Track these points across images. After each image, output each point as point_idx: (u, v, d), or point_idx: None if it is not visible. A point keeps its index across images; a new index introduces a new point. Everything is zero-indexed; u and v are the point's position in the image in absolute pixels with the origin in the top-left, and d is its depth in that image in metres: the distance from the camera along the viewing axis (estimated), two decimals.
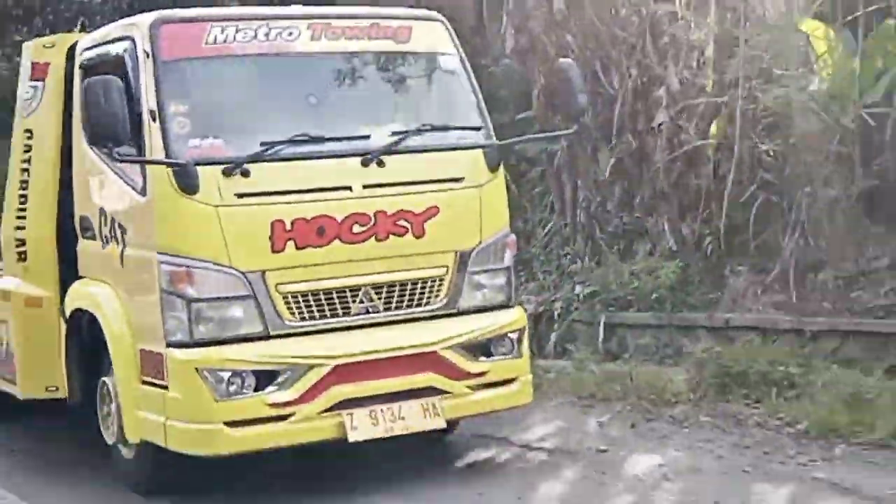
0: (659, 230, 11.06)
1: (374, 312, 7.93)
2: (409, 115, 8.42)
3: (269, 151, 7.70)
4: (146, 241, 7.82)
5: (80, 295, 8.57)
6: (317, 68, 8.19)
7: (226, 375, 7.49)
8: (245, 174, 7.58)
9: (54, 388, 9.07)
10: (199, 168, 7.57)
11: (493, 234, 8.32)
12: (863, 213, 10.02)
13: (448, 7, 9.76)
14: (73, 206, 8.73)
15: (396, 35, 8.40)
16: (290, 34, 8.04)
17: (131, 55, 7.89)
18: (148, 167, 7.69)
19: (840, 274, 9.66)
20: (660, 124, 10.78)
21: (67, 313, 8.72)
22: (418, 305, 8.06)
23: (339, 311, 7.85)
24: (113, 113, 7.43)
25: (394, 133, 8.11)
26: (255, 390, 7.56)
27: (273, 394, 7.57)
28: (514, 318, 8.40)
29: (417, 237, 7.99)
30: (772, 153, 10.21)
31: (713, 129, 10.61)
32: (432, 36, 8.56)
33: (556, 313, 11.63)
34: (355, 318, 7.89)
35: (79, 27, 16.11)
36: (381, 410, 7.71)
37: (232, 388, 7.50)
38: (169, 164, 7.55)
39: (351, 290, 7.85)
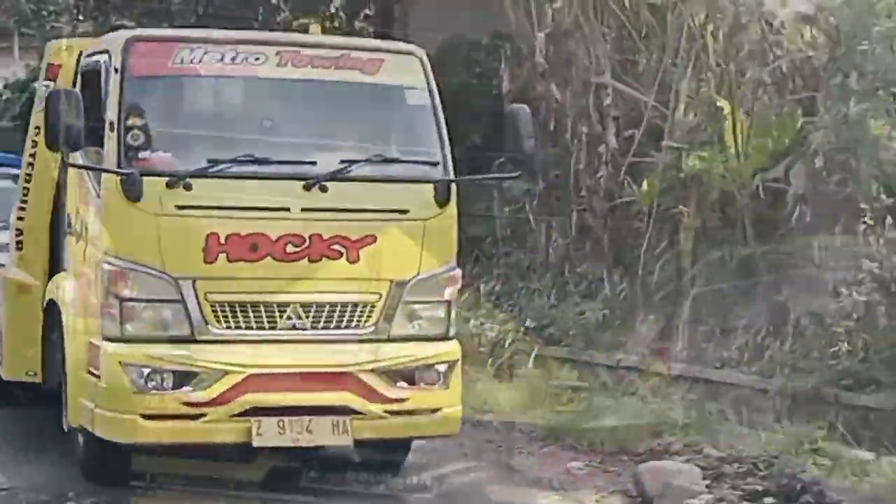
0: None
1: (300, 329, 8.34)
2: (363, 144, 8.73)
3: (213, 168, 8.19)
4: (98, 242, 8.39)
5: (55, 286, 9.20)
6: (277, 93, 8.63)
7: (146, 371, 8.03)
8: (187, 187, 8.09)
9: (33, 373, 9.70)
10: (143, 178, 8.11)
11: (433, 267, 8.61)
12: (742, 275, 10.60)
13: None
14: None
15: (365, 67, 8.72)
16: (257, 59, 8.49)
17: (106, 68, 8.48)
18: (103, 174, 8.27)
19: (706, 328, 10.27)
20: (599, 177, 11.23)
21: (44, 303, 9.36)
22: (347, 328, 8.43)
23: (266, 325, 8.30)
24: (68, 121, 8.02)
25: (342, 161, 8.48)
26: (173, 388, 8.08)
27: (188, 393, 8.08)
28: (446, 350, 8.70)
29: (351, 262, 8.36)
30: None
31: (644, 186, 11.03)
32: (404, 69, 8.83)
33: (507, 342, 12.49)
34: (280, 332, 8.32)
35: None
36: (290, 422, 8.13)
37: (151, 384, 8.03)
38: (114, 173, 8.12)
39: (279, 306, 8.29)
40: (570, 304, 12.36)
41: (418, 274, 8.57)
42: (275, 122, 8.64)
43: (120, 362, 8.06)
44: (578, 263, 12.30)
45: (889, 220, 9.72)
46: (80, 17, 21.94)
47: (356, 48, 8.88)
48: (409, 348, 8.55)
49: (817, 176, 10.16)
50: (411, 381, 8.51)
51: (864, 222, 9.73)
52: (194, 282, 8.14)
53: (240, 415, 8.12)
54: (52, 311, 9.21)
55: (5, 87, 24.88)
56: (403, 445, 8.93)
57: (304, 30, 9.35)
